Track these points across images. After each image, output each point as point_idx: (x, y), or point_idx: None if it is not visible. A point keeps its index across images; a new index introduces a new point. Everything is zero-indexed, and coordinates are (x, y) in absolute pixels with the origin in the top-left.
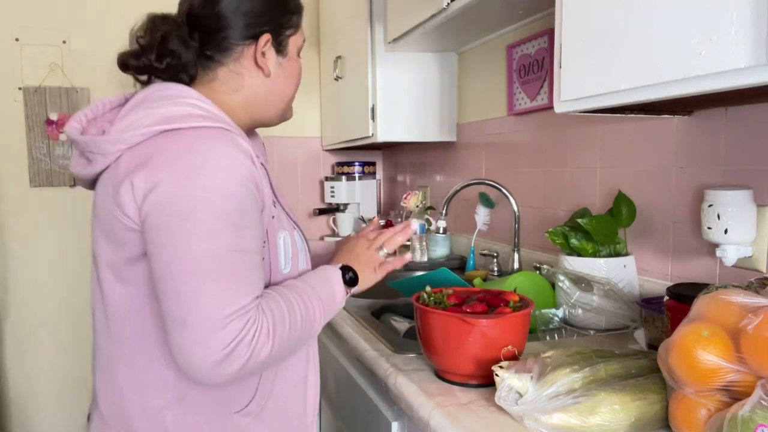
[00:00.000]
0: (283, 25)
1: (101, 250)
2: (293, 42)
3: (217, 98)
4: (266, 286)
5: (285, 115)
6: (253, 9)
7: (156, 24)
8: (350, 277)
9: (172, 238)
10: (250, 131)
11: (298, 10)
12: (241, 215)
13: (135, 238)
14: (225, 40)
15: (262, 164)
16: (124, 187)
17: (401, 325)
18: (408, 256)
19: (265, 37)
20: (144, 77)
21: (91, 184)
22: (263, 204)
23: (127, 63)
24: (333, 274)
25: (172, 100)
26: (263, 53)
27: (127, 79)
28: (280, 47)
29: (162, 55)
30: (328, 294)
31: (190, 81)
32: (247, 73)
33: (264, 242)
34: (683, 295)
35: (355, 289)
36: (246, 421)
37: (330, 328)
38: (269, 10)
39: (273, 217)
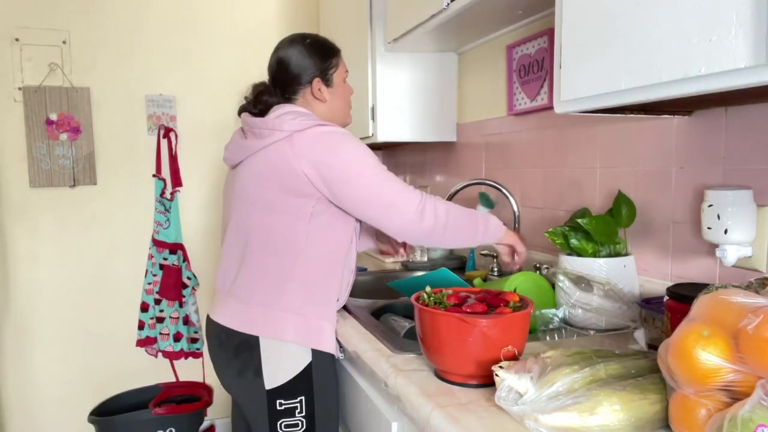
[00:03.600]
0: (326, 69)
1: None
2: (337, 76)
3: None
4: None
5: (345, 120)
6: (306, 66)
7: (256, 87)
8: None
9: (353, 176)
10: None
11: (335, 53)
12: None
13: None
14: (294, 87)
15: None
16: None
17: (401, 325)
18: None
19: (316, 81)
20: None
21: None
22: None
23: (243, 109)
24: (492, 218)
25: (300, 112)
26: (319, 89)
27: (127, 79)
28: (328, 82)
29: (259, 102)
30: (486, 217)
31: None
32: (314, 102)
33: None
34: (683, 295)
35: (508, 234)
36: (333, 308)
37: None
38: (315, 64)
39: None
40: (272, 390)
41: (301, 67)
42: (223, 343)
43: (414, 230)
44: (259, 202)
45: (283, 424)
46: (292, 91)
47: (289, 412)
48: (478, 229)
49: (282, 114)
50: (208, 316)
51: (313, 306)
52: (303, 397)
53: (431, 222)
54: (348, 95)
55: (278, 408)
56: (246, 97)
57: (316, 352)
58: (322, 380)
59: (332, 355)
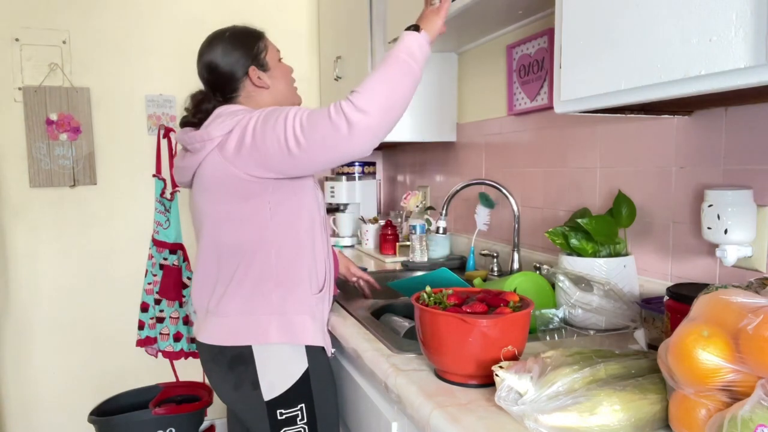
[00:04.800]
0: (257, 55)
1: (215, 205)
2: (270, 57)
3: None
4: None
5: (294, 101)
6: (235, 58)
7: (194, 96)
8: (415, 27)
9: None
10: None
11: (259, 37)
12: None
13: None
14: (233, 85)
15: None
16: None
17: (401, 325)
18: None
19: (252, 70)
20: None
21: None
22: None
23: (184, 123)
24: (402, 34)
25: (233, 112)
26: (258, 77)
27: (127, 79)
28: (263, 67)
29: (199, 112)
30: (407, 45)
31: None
32: (256, 93)
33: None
34: (683, 295)
35: (429, 32)
36: (313, 301)
37: (330, 328)
38: (244, 53)
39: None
40: (271, 401)
41: (231, 63)
42: (215, 358)
43: (360, 140)
44: (218, 218)
45: None
46: (231, 89)
47: (291, 421)
48: (410, 67)
49: (211, 121)
50: (194, 339)
51: (291, 303)
52: (303, 405)
53: (362, 117)
54: (288, 74)
55: (279, 418)
56: (186, 108)
57: (311, 357)
58: (321, 385)
59: (327, 358)
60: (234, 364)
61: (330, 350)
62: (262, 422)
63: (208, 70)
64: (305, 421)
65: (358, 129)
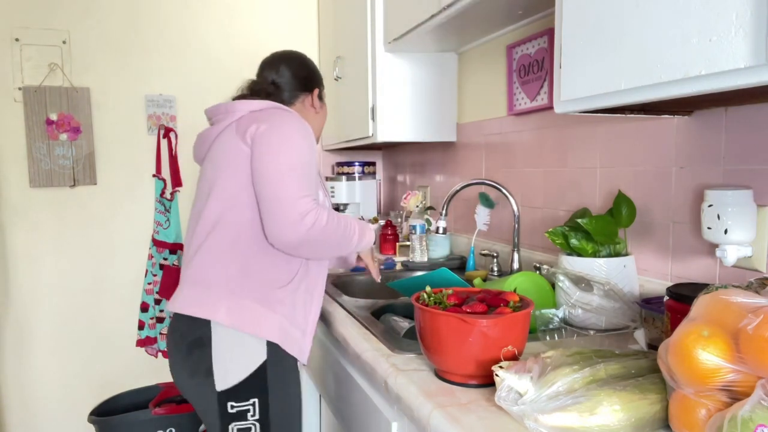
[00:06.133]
0: (322, 86)
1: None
2: (324, 94)
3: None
4: None
5: (318, 136)
6: (313, 73)
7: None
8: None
9: (272, 154)
10: None
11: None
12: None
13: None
14: (297, 91)
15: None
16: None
17: (401, 325)
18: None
19: (316, 91)
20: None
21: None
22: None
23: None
24: (368, 224)
25: (277, 106)
26: (319, 98)
27: (127, 79)
28: (321, 98)
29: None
30: (366, 228)
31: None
32: (308, 111)
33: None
34: (683, 295)
35: (365, 244)
36: (281, 294)
37: (330, 328)
38: (318, 76)
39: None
40: (223, 391)
41: (308, 73)
42: (177, 342)
43: (285, 236)
44: (216, 193)
45: (235, 428)
46: (293, 95)
47: (242, 416)
48: (353, 237)
49: (250, 101)
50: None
51: (251, 290)
52: (256, 399)
53: (308, 226)
54: (326, 115)
55: (230, 411)
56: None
57: (272, 350)
58: (279, 381)
59: (288, 354)
60: (192, 347)
61: (303, 359)
62: (212, 413)
63: (289, 64)
64: (256, 417)
65: (305, 230)
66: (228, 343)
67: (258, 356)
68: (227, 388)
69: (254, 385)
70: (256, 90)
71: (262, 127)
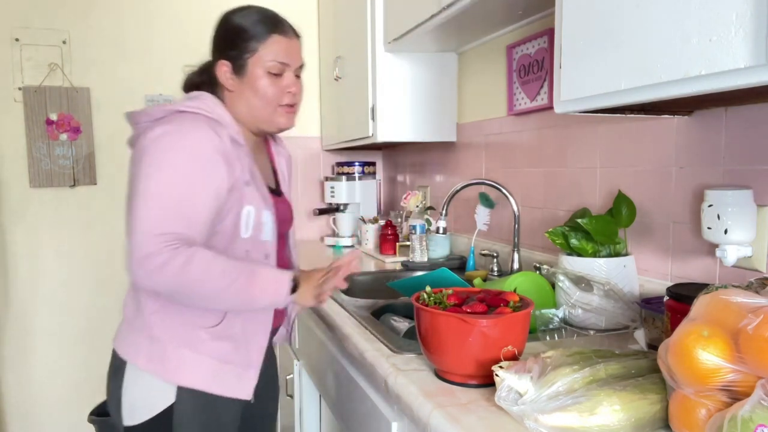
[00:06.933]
0: (243, 48)
1: None
2: (254, 63)
3: (228, 108)
4: (228, 246)
5: (269, 124)
6: (218, 41)
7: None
8: (292, 286)
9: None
10: (273, 137)
11: (257, 37)
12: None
13: None
14: (212, 72)
15: (245, 151)
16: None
17: (401, 325)
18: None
19: (223, 61)
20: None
21: None
22: (234, 179)
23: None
24: (281, 272)
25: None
26: (225, 74)
27: (127, 79)
28: (239, 69)
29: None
30: (266, 279)
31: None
32: (224, 89)
33: (230, 210)
34: (683, 295)
35: (293, 297)
36: (207, 336)
37: (330, 328)
38: (229, 39)
39: (242, 193)
40: (129, 428)
41: (220, 36)
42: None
43: (133, 277)
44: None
45: None
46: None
47: None
48: (240, 294)
49: (151, 110)
50: None
51: (174, 334)
52: None
53: (162, 277)
54: (264, 91)
55: None
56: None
57: (182, 394)
58: (192, 425)
59: (211, 400)
60: (111, 375)
61: (245, 394)
62: None
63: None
64: None
65: (146, 275)
66: (139, 382)
67: (165, 397)
68: (133, 425)
69: (157, 428)
70: (187, 83)
71: (140, 143)
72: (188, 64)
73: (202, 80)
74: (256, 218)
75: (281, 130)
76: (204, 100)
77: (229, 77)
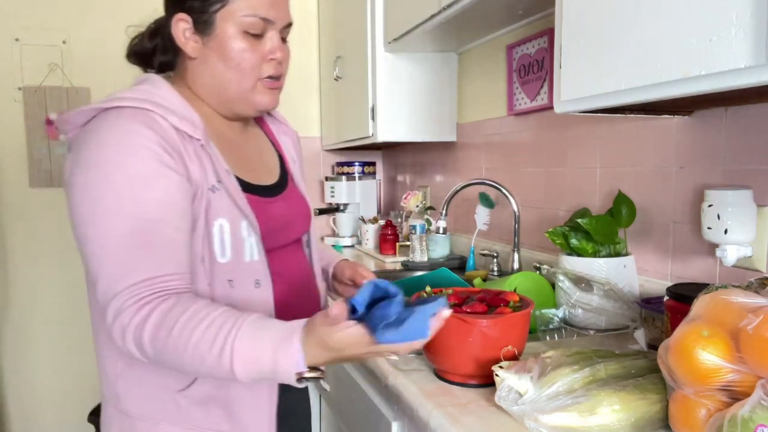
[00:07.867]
0: (204, 2)
1: None
2: (223, 18)
3: (185, 88)
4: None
5: (244, 105)
6: None
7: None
8: (311, 368)
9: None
10: (257, 119)
11: None
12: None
13: None
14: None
15: (202, 146)
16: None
17: None
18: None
19: (180, 15)
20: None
21: None
22: (195, 184)
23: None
24: (279, 334)
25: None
26: (184, 33)
27: (127, 79)
28: (204, 27)
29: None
30: (253, 350)
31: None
32: (185, 56)
33: (195, 227)
34: (683, 295)
35: (306, 361)
36: (186, 402)
37: None
38: None
39: (208, 202)
40: None
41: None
42: None
43: (117, 339)
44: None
45: None
46: (167, 43)
47: None
48: (218, 368)
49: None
50: None
51: (142, 404)
52: None
53: (119, 338)
54: (236, 54)
55: None
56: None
57: None
58: None
59: None
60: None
61: None
62: None
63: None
64: None
65: (119, 339)
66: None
67: None
68: None
69: None
70: (133, 51)
71: (65, 167)
72: (133, 24)
73: (154, 46)
74: (232, 235)
75: (261, 113)
76: (140, 85)
77: (189, 37)
